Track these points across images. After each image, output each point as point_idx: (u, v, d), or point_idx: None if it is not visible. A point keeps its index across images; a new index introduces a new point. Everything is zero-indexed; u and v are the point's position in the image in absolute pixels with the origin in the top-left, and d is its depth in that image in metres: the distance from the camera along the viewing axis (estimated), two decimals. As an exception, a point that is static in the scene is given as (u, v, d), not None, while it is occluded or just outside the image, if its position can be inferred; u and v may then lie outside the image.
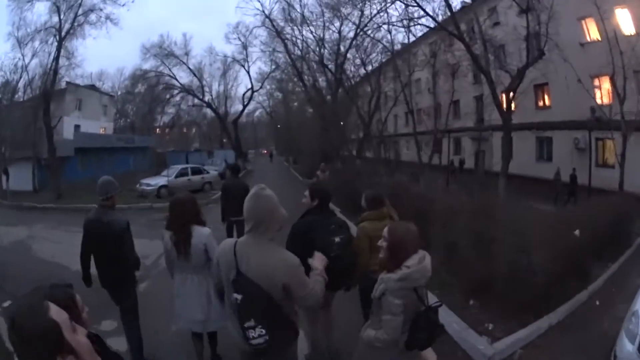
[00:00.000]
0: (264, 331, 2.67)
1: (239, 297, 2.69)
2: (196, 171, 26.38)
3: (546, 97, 23.52)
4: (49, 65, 24.33)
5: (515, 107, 18.82)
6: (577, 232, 7.21)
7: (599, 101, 19.28)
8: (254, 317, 2.67)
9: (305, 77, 33.09)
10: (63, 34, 24.12)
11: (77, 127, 36.34)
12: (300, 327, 3.16)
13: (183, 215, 4.30)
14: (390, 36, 27.56)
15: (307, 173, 29.33)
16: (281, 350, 2.88)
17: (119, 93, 46.60)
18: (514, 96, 18.06)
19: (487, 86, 19.96)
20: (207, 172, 27.32)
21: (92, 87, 42.24)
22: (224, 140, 50.70)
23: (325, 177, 13.27)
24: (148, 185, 22.49)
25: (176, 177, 24.06)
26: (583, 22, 20.34)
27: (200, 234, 4.26)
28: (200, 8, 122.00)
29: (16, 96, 27.89)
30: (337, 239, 4.15)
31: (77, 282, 1.92)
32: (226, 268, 2.85)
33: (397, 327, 3.00)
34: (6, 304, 5.70)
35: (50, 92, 24.44)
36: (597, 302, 6.80)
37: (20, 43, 24.52)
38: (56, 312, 1.49)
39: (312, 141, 32.84)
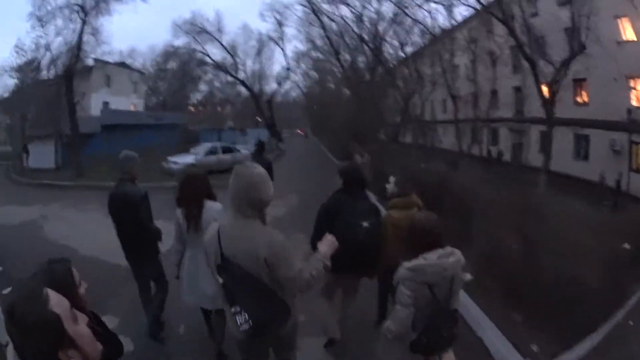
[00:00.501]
0: (247, 316, 2.62)
1: (221, 280, 2.68)
2: (227, 150, 25.33)
3: (584, 93, 22.10)
4: (74, 43, 24.03)
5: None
6: (626, 245, 6.82)
7: (634, 103, 18.48)
8: (238, 302, 2.64)
9: (342, 57, 32.01)
10: (87, 10, 23.80)
11: (105, 103, 36.01)
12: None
13: (194, 191, 4.28)
14: (431, 16, 26.60)
15: (342, 156, 28.35)
16: (270, 333, 2.80)
17: (151, 70, 46.34)
18: (557, 89, 17.41)
19: (526, 76, 20.16)
20: (239, 151, 26.13)
21: (122, 64, 41.65)
22: (258, 119, 49.96)
23: (364, 161, 12.18)
24: (175, 163, 21.57)
25: (205, 155, 23.17)
26: (619, 20, 19.12)
27: (212, 209, 4.25)
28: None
29: (42, 74, 27.48)
30: (365, 224, 4.03)
31: (83, 266, 1.83)
32: (213, 253, 2.77)
33: (404, 320, 2.92)
34: (6, 291, 5.11)
35: (73, 69, 24.01)
36: (631, 323, 6.04)
37: (41, 21, 24.13)
38: (57, 303, 1.45)
39: (348, 123, 31.84)
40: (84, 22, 23.63)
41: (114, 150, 21.61)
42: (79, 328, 1.49)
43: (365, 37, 28.50)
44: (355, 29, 28.27)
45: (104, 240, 4.68)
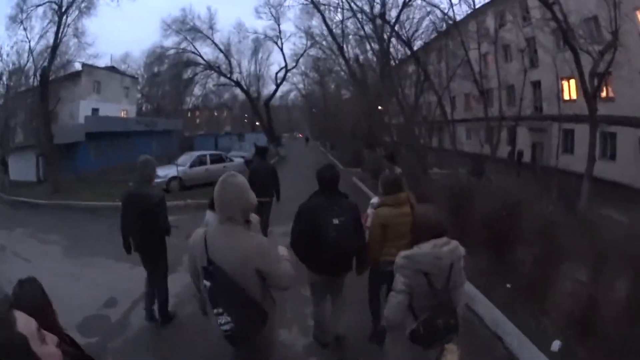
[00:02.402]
0: (229, 318, 2.71)
1: (208, 284, 2.75)
2: (216, 159, 22.00)
3: (609, 88, 21.18)
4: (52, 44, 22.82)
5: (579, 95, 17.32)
6: None
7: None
8: (221, 304, 2.72)
9: (346, 51, 30.18)
10: (64, 7, 22.56)
11: (95, 110, 34.36)
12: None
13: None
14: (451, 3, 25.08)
15: (348, 161, 26.19)
16: (249, 337, 2.86)
17: (145, 76, 44.62)
18: (600, 80, 16.16)
19: (544, 71, 20.79)
20: (231, 160, 23.07)
21: (112, 69, 40.22)
22: (257, 123, 49.89)
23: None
24: (156, 177, 18.92)
25: (191, 166, 20.07)
26: (638, 12, 18.53)
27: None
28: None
29: (29, 81, 26.60)
30: (335, 221, 4.14)
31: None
32: (198, 257, 2.83)
33: (396, 306, 2.96)
34: None
35: (48, 72, 22.43)
36: None
37: (22, 23, 23.72)
38: (24, 324, 1.46)
39: (353, 124, 30.41)
40: (60, 20, 22.26)
41: (101, 160, 19.70)
42: (47, 348, 1.49)
43: (370, 33, 26.56)
44: (367, 9, 26.10)
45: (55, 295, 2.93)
